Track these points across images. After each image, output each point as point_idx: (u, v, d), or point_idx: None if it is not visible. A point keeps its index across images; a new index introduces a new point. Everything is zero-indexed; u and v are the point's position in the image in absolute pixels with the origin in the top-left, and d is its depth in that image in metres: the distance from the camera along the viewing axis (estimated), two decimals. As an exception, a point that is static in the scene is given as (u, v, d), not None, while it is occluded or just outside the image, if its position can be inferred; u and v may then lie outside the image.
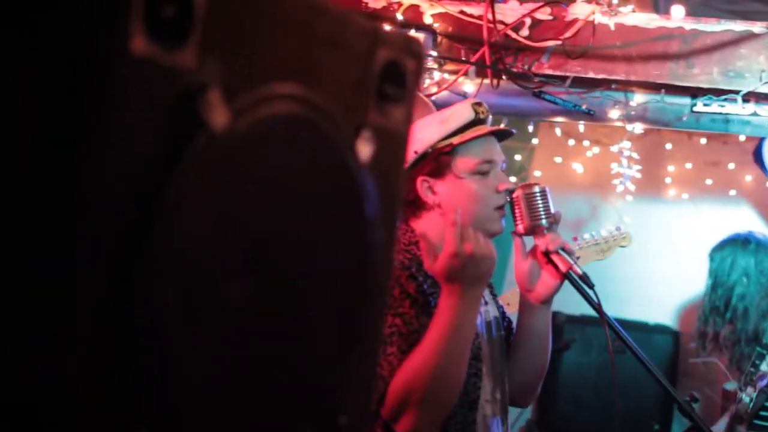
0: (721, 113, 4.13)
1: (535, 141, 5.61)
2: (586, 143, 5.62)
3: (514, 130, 2.75)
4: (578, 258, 3.52)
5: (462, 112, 2.58)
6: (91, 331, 0.83)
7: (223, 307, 0.93)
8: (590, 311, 2.59)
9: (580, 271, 2.56)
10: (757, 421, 3.92)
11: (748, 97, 4.09)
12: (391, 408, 2.31)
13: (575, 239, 3.57)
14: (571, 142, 5.67)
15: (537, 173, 5.65)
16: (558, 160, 5.72)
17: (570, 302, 4.70)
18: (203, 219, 0.90)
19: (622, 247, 3.73)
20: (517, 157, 5.60)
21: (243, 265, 0.94)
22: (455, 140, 2.57)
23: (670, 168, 5.75)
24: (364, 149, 1.08)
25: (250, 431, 0.98)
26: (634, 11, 4.01)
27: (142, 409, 0.87)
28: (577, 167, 5.68)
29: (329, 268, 1.06)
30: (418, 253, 2.51)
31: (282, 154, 0.98)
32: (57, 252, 0.82)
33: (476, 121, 2.59)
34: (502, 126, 3.26)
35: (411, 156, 2.54)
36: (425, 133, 2.56)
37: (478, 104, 2.61)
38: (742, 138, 5.28)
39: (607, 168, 5.07)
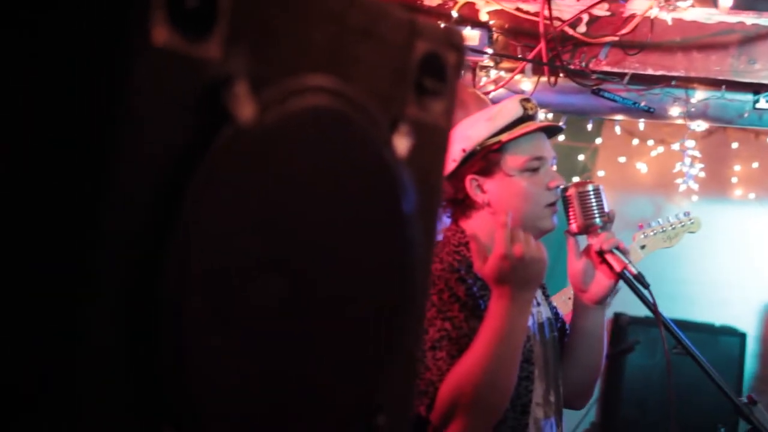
0: (784, 110, 4.04)
1: (598, 141, 5.53)
2: (650, 143, 5.54)
3: (563, 126, 2.70)
4: (644, 247, 3.46)
5: (510, 109, 2.54)
6: (111, 329, 0.81)
7: (250, 306, 0.90)
8: (655, 312, 2.53)
9: (635, 271, 2.50)
10: None
11: (812, 94, 4.01)
12: (440, 413, 2.28)
13: (641, 227, 3.49)
14: (635, 141, 5.59)
15: (600, 173, 5.57)
16: (622, 159, 5.64)
17: (634, 303, 4.64)
18: (229, 214, 0.88)
19: (691, 233, 3.62)
20: (581, 157, 5.53)
21: (272, 263, 0.92)
22: (504, 137, 2.52)
23: (737, 167, 5.64)
24: (402, 143, 1.06)
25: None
26: (693, 6, 3.93)
27: (165, 407, 0.85)
28: (642, 167, 5.60)
29: (364, 266, 1.03)
30: (467, 254, 2.46)
31: (313, 148, 0.96)
32: (76, 250, 0.80)
33: (525, 118, 2.55)
34: (560, 123, 3.20)
35: (459, 154, 2.51)
36: (473, 130, 2.53)
37: (527, 100, 2.56)
38: (810, 136, 5.19)
39: (672, 168, 5.00)
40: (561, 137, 5.25)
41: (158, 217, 0.83)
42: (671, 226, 3.54)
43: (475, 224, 2.55)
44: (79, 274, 0.79)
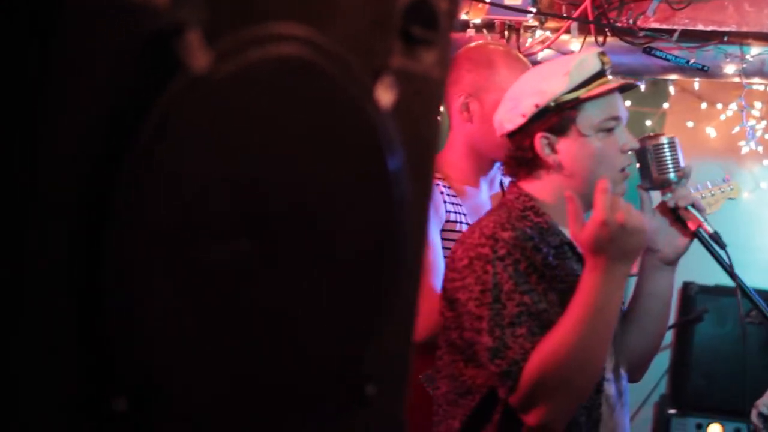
0: None
1: (665, 105, 5.39)
2: (719, 106, 5.39)
3: (640, 83, 2.54)
4: None
5: (588, 63, 2.37)
6: (52, 293, 0.76)
7: (214, 268, 0.85)
8: (724, 281, 2.40)
9: (710, 230, 2.34)
10: None
11: None
12: (523, 395, 2.16)
13: None
14: (704, 105, 5.44)
15: (668, 139, 5.36)
16: (690, 124, 5.48)
17: (703, 272, 4.51)
18: (185, 170, 0.82)
19: (730, 199, 3.48)
20: (648, 123, 5.39)
21: (238, 223, 0.86)
22: (582, 94, 2.34)
23: (811, 129, 5.47)
24: (386, 96, 0.99)
25: (251, 406, 0.90)
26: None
27: (120, 379, 0.80)
28: (711, 132, 5.45)
29: (347, 228, 0.97)
30: (537, 219, 2.32)
31: (279, 100, 0.89)
32: (15, 211, 0.75)
33: (601, 73, 2.38)
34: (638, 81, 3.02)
35: (531, 110, 2.35)
36: (548, 84, 2.35)
37: (603, 54, 2.41)
38: None
39: (742, 132, 4.85)
40: (627, 102, 5.14)
41: (103, 173, 0.77)
42: (710, 192, 3.39)
43: (541, 187, 2.40)
44: (15, 239, 0.74)
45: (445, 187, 2.86)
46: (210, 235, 0.84)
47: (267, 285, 0.89)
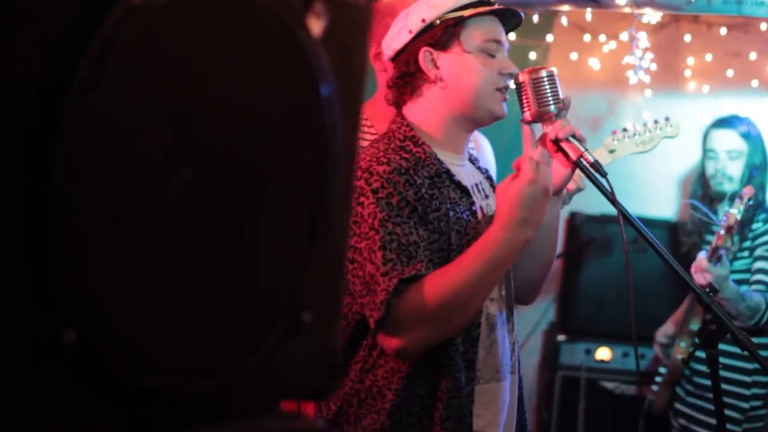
0: (733, -6, 3.93)
1: (549, 38, 5.43)
2: (602, 38, 5.44)
3: (522, 13, 2.56)
4: (613, 151, 3.38)
5: None
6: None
7: (155, 197, 0.84)
8: (610, 210, 2.44)
9: (591, 159, 2.38)
10: None
11: (762, -24, 3.91)
12: (391, 322, 2.21)
13: (615, 132, 3.36)
14: (587, 37, 5.49)
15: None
16: (573, 56, 5.53)
17: (590, 201, 4.59)
18: (126, 100, 0.81)
19: (669, 137, 3.50)
20: (532, 56, 5.41)
21: (177, 151, 0.86)
22: (467, 12, 2.39)
23: (690, 61, 5.56)
24: (317, 24, 0.99)
25: (194, 337, 0.90)
26: None
27: (67, 310, 0.79)
28: (594, 63, 5.50)
29: (281, 156, 0.97)
30: (415, 150, 2.38)
31: (216, 28, 0.89)
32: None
33: (486, 2, 2.43)
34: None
35: (418, 25, 2.40)
36: (436, 0, 2.40)
37: None
38: (763, 27, 5.10)
39: (624, 63, 4.91)
40: (512, 36, 5.17)
41: (47, 109, 0.76)
42: (647, 129, 3.42)
43: (424, 109, 2.45)
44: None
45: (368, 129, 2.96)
46: (152, 167, 0.83)
47: (207, 215, 0.89)
